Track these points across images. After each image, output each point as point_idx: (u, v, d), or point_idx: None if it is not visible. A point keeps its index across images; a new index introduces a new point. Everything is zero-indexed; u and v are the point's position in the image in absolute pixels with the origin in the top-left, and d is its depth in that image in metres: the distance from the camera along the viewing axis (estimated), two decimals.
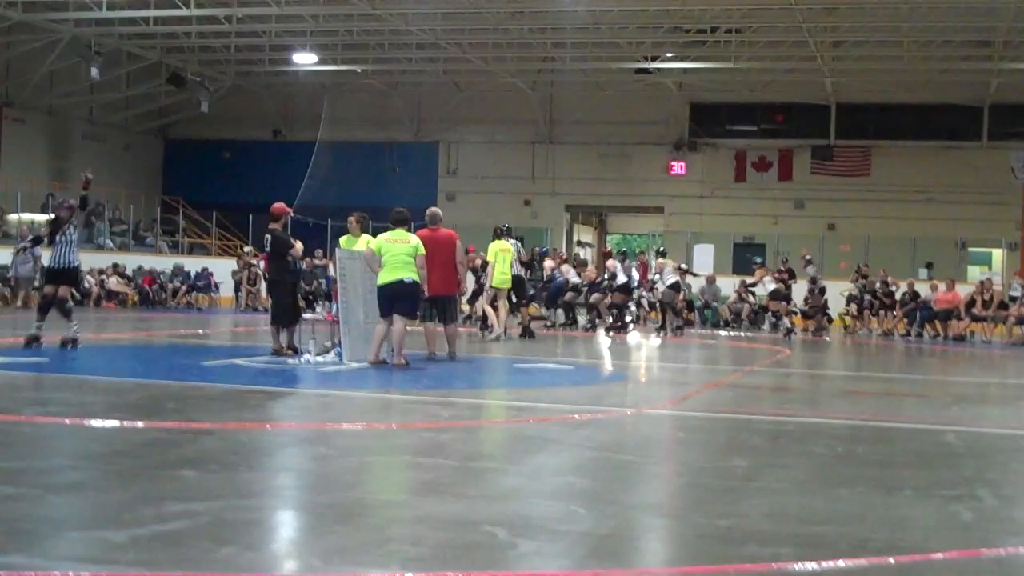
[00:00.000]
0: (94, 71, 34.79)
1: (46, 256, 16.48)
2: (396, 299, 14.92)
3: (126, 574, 5.01)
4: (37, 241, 16.74)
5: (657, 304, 27.79)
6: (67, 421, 9.30)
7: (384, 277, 14.92)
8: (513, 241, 22.78)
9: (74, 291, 19.66)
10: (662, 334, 26.07)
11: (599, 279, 28.83)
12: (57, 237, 15.74)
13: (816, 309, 30.14)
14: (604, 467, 8.32)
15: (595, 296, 28.31)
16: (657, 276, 27.35)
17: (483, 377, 15.44)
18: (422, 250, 15.31)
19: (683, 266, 30.01)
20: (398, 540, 5.78)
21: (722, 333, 28.99)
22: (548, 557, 5.65)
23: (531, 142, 43.53)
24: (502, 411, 11.28)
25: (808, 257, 31.82)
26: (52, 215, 16.49)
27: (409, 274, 15.00)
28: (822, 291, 30.34)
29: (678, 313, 27.33)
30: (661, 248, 30.48)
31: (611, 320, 27.20)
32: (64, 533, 5.81)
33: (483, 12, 32.63)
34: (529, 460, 8.45)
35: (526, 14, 33.13)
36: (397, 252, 15.00)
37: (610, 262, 28.43)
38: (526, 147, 43.60)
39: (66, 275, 15.96)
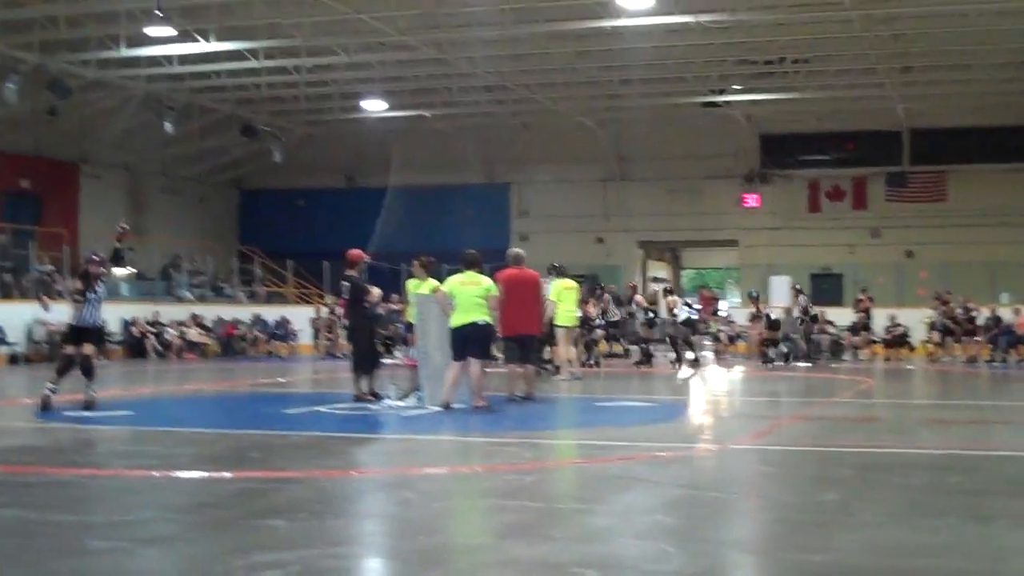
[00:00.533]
0: (168, 126, 35.29)
1: (66, 313, 15.45)
2: (469, 341, 14.90)
3: None
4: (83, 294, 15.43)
5: (668, 338, 27.88)
6: (155, 473, 9.38)
7: (457, 319, 14.92)
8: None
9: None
10: (677, 367, 26.06)
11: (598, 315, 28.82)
12: (87, 293, 14.90)
13: (807, 337, 29.98)
14: (692, 504, 8.24)
15: (597, 332, 28.34)
16: (675, 312, 27.36)
17: (564, 417, 15.41)
18: (494, 291, 15.30)
19: (688, 302, 29.94)
20: None
21: (801, 365, 28.69)
22: None
23: (602, 180, 43.52)
24: (586, 451, 11.21)
25: (798, 287, 31.59)
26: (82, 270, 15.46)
27: (482, 316, 15.00)
28: (814, 319, 30.14)
29: (692, 346, 27.27)
30: (668, 287, 30.33)
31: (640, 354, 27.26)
32: None
33: (550, 52, 32.72)
34: (616, 499, 8.39)
35: (592, 53, 33.15)
36: (470, 294, 14.99)
37: (638, 297, 28.51)
38: (597, 185, 43.58)
39: (92, 334, 15.12)
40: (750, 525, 7.74)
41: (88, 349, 14.95)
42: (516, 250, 17.67)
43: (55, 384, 14.78)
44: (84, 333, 14.96)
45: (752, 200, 41.95)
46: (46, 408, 14.49)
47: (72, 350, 14.98)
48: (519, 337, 16.62)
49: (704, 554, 6.58)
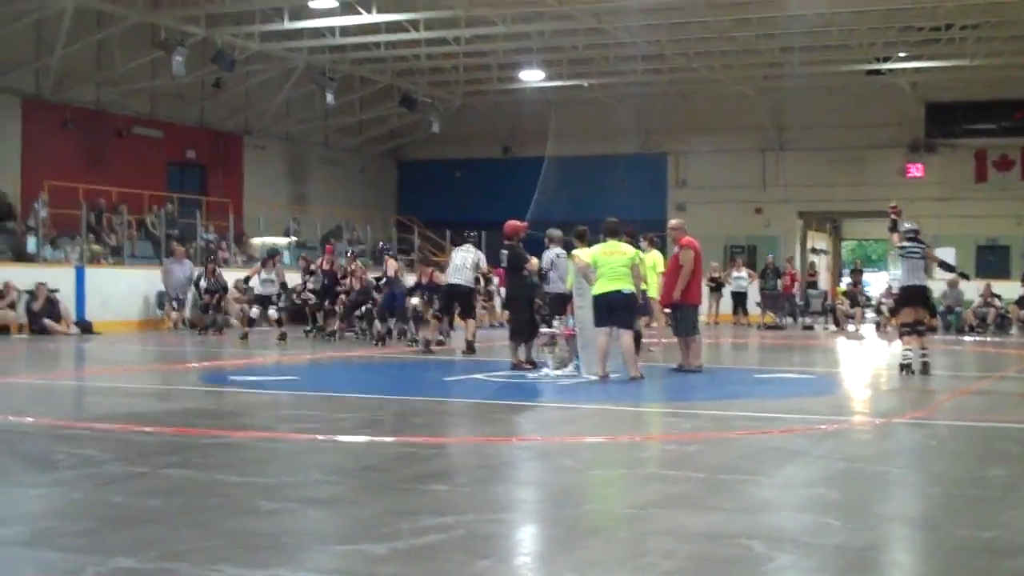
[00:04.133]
0: (329, 97, 35.79)
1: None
2: (613, 310, 14.80)
3: None
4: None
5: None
6: (319, 437, 9.57)
7: (600, 287, 14.79)
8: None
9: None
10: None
11: None
12: None
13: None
14: (854, 478, 8.13)
15: None
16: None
17: (722, 388, 15.28)
18: (637, 260, 15.24)
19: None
20: (652, 553, 5.75)
21: (966, 339, 28.05)
22: (805, 571, 5.56)
23: (761, 149, 42.92)
24: (744, 422, 11.12)
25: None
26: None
27: (627, 285, 14.91)
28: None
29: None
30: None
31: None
32: (325, 546, 5.98)
33: (708, 20, 32.37)
34: (777, 472, 8.33)
35: (752, 20, 32.71)
36: (614, 264, 14.89)
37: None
38: (756, 154, 43.00)
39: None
40: (914, 500, 7.61)
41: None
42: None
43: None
44: None
45: (916, 170, 40.94)
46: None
47: None
48: (694, 306, 16.59)
49: (868, 528, 6.50)
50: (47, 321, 25.30)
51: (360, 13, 30.53)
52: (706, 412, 11.98)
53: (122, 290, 28.67)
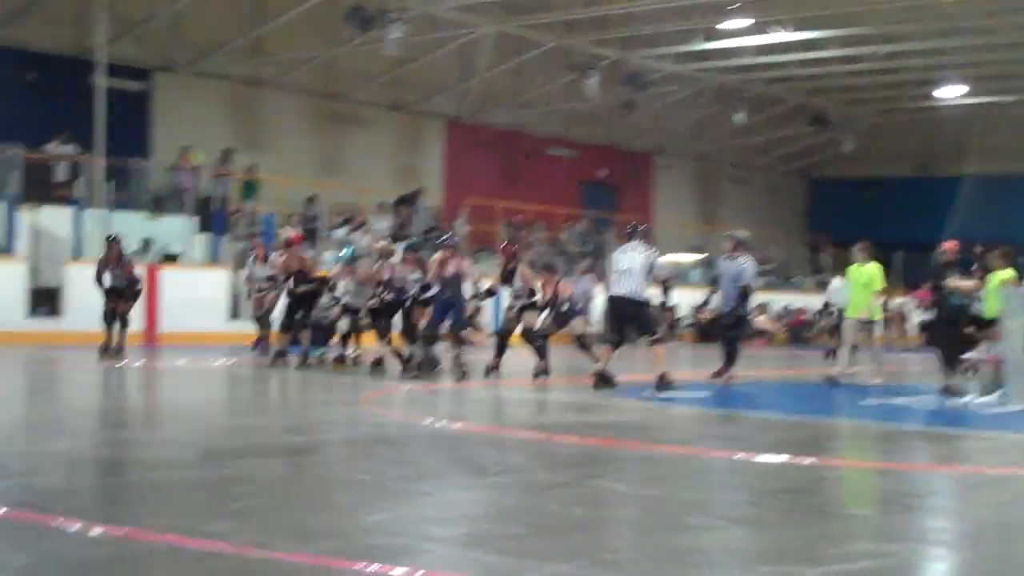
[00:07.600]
0: (739, 116, 35.75)
1: None
2: None
3: None
4: None
5: None
6: (738, 455, 9.51)
7: None
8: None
9: None
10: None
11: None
12: None
13: None
14: None
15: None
16: None
17: None
18: None
19: None
20: None
21: None
22: None
23: None
24: None
25: None
26: None
27: None
28: None
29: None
30: None
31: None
32: (754, 566, 5.89)
33: None
34: None
35: None
36: None
37: None
38: None
39: None
40: None
41: None
42: None
43: None
44: None
45: None
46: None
47: None
48: None
49: None
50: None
51: (772, 32, 30.34)
52: None
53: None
